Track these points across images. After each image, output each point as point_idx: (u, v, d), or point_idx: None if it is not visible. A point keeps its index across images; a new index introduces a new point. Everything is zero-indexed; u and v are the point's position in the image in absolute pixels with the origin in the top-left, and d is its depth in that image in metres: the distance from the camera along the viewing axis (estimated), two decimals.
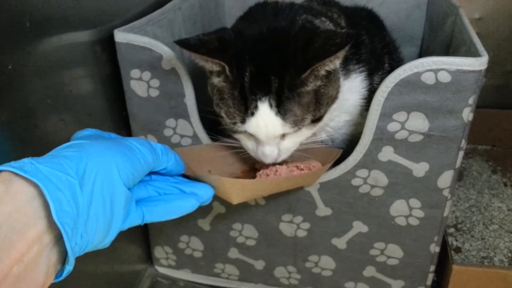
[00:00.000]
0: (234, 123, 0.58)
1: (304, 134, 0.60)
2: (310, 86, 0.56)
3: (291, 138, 0.60)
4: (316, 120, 0.59)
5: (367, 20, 0.84)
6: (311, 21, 0.62)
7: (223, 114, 0.59)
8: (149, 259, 0.88)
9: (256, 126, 0.57)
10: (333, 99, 0.60)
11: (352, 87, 0.66)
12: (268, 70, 0.55)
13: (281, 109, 0.55)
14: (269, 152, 0.59)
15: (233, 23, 0.67)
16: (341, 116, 0.69)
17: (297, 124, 0.57)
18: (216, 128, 0.68)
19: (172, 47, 0.63)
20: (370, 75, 0.68)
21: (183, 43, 0.56)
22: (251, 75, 0.56)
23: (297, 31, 0.58)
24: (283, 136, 0.59)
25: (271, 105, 0.55)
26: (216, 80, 0.59)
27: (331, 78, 0.58)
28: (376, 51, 0.72)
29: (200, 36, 0.58)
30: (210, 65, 0.57)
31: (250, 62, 0.56)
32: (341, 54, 0.54)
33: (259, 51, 0.57)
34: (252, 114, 0.56)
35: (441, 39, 0.83)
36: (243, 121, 0.57)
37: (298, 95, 0.55)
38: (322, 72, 0.56)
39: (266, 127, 0.56)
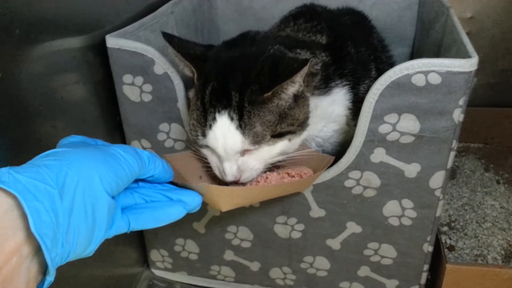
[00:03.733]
0: (197, 136, 0.60)
1: (265, 151, 0.59)
2: (273, 105, 0.57)
3: (251, 154, 0.59)
4: (276, 136, 0.58)
5: (353, 27, 0.83)
6: (282, 51, 0.63)
7: (189, 127, 0.61)
8: (145, 262, 0.88)
9: (214, 140, 0.58)
10: (300, 122, 0.60)
11: (335, 100, 0.67)
12: (230, 86, 0.57)
13: (242, 123, 0.56)
14: (228, 169, 0.59)
15: (218, 44, 0.69)
16: (329, 125, 0.70)
17: (257, 140, 0.57)
18: None
19: (164, 51, 0.63)
20: (354, 86, 0.68)
21: (167, 36, 0.62)
22: (212, 89, 0.58)
23: (266, 57, 0.59)
24: (243, 153, 0.59)
25: (231, 118, 0.57)
26: (189, 92, 0.63)
27: (299, 102, 0.59)
28: (362, 60, 0.72)
29: (191, 41, 0.64)
30: (182, 66, 0.62)
31: (215, 78, 0.58)
32: (298, 77, 0.56)
33: (226, 70, 0.59)
34: (210, 126, 0.58)
35: (432, 40, 0.83)
36: (203, 134, 0.59)
37: (260, 111, 0.57)
38: (288, 94, 0.57)
39: (224, 140, 0.57)
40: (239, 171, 0.59)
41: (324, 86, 0.65)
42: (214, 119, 0.57)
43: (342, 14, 0.88)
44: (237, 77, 0.58)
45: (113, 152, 0.44)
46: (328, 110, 0.67)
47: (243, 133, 0.57)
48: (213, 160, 0.61)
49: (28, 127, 0.55)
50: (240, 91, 0.57)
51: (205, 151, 0.61)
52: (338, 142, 0.61)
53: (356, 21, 0.88)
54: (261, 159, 0.60)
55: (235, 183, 0.61)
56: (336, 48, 0.69)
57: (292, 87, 0.57)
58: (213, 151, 0.60)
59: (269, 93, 0.56)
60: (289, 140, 0.60)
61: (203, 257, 0.81)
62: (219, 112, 0.57)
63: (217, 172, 0.61)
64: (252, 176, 0.61)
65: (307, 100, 0.61)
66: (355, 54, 0.71)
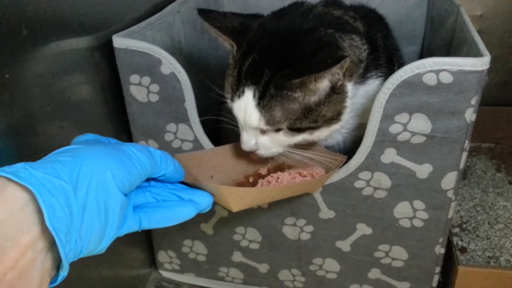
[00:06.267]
0: (227, 99, 0.62)
1: (282, 139, 0.60)
2: (299, 94, 0.56)
3: (269, 136, 0.60)
4: (294, 130, 0.58)
5: (378, 22, 0.83)
6: (334, 37, 0.60)
7: (225, 87, 0.63)
8: (153, 263, 0.88)
9: (237, 109, 0.60)
10: (326, 119, 0.59)
11: (368, 92, 0.66)
12: (266, 63, 0.57)
13: (261, 102, 0.57)
14: (245, 139, 0.61)
15: (267, 15, 0.68)
16: (356, 118, 0.69)
17: (272, 123, 0.58)
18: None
19: (171, 51, 0.63)
20: (386, 79, 0.67)
21: (203, 13, 0.62)
22: (252, 61, 0.58)
23: (312, 40, 0.58)
24: (264, 131, 0.60)
25: (254, 95, 0.57)
26: (230, 58, 0.64)
27: (332, 98, 0.58)
28: (388, 54, 0.71)
29: (228, 12, 0.66)
30: (221, 40, 0.63)
31: (256, 51, 0.58)
32: (330, 73, 0.55)
33: (268, 44, 0.59)
34: (239, 96, 0.59)
35: (442, 38, 0.82)
36: (232, 100, 0.61)
37: (283, 97, 0.56)
38: (318, 87, 0.56)
39: (245, 114, 0.59)
40: (256, 146, 0.61)
41: (362, 75, 0.64)
42: (243, 91, 0.58)
43: (366, 11, 0.87)
44: (277, 54, 0.57)
45: (126, 150, 0.44)
46: (361, 101, 0.66)
47: (261, 113, 0.57)
48: (239, 126, 0.63)
49: (35, 127, 0.54)
50: (273, 70, 0.56)
51: (233, 113, 0.63)
52: (360, 136, 0.60)
53: (377, 17, 0.87)
54: (279, 144, 0.61)
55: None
56: (371, 37, 0.68)
57: (323, 82, 0.56)
58: None
59: (297, 81, 0.55)
60: (310, 133, 0.60)
61: (211, 259, 0.80)
62: (248, 86, 0.58)
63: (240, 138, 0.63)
64: (269, 155, 0.63)
65: (345, 95, 0.60)
66: (384, 47, 0.70)
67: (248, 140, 0.61)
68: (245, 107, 0.58)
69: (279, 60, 0.57)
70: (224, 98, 0.63)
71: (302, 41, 0.58)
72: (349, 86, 0.61)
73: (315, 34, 0.59)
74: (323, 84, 0.57)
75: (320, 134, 0.61)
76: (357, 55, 0.62)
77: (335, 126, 0.61)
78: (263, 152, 0.62)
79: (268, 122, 0.58)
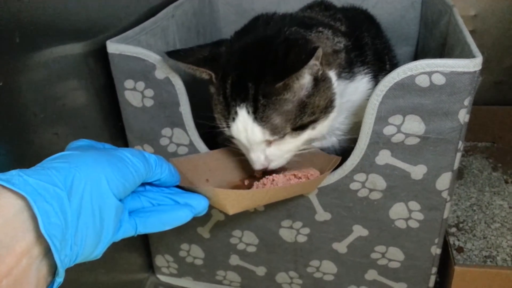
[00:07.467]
0: (223, 128, 0.61)
1: (290, 142, 0.60)
2: (288, 95, 0.57)
3: (277, 145, 0.60)
4: (297, 128, 0.59)
5: (367, 22, 0.85)
6: (300, 33, 0.62)
7: (216, 120, 0.62)
8: (151, 267, 0.88)
9: (237, 131, 0.59)
10: (321, 109, 0.59)
11: (358, 88, 0.67)
12: (247, 78, 0.57)
13: (257, 116, 0.57)
14: (255, 158, 0.61)
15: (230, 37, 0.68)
16: (350, 118, 0.69)
17: (277, 131, 0.58)
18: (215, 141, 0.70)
19: (165, 56, 0.63)
20: (375, 76, 0.68)
21: (172, 54, 0.61)
22: (232, 83, 0.58)
23: (280, 42, 0.59)
24: (269, 143, 0.60)
25: (248, 112, 0.57)
26: (210, 87, 0.63)
27: (319, 87, 0.59)
28: (378, 52, 0.72)
29: (194, 47, 0.64)
30: (198, 73, 0.62)
31: (233, 71, 0.58)
32: (308, 69, 0.56)
33: (242, 60, 0.59)
34: (233, 119, 0.59)
35: (436, 38, 0.82)
36: (228, 126, 0.60)
37: (275, 103, 0.57)
38: (301, 83, 0.57)
39: (246, 133, 0.59)
40: (267, 160, 0.61)
41: (348, 70, 0.64)
42: (235, 112, 0.58)
43: (356, 12, 0.88)
44: (253, 66, 0.58)
45: (120, 155, 0.44)
46: (352, 98, 0.66)
47: (261, 125, 0.57)
48: (243, 149, 0.63)
49: (30, 134, 0.54)
50: (256, 82, 0.56)
51: (234, 141, 0.63)
52: (356, 136, 0.61)
53: (367, 17, 0.88)
54: (287, 149, 0.61)
55: (265, 171, 0.62)
56: (355, 36, 0.69)
57: (305, 78, 0.57)
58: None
59: (281, 84, 0.55)
60: (313, 128, 0.60)
61: (208, 262, 0.80)
62: (239, 105, 0.58)
63: (249, 160, 0.62)
64: (281, 164, 0.62)
65: (330, 82, 0.60)
66: (371, 45, 0.71)
67: (258, 158, 0.60)
68: (244, 126, 0.58)
69: (257, 70, 0.57)
70: (219, 129, 0.63)
71: (271, 46, 0.59)
72: (331, 74, 0.61)
73: (281, 36, 0.60)
74: (306, 79, 0.57)
75: (322, 127, 0.61)
76: (329, 45, 0.63)
77: (332, 115, 0.61)
78: (276, 163, 0.62)
79: (272, 132, 0.58)
